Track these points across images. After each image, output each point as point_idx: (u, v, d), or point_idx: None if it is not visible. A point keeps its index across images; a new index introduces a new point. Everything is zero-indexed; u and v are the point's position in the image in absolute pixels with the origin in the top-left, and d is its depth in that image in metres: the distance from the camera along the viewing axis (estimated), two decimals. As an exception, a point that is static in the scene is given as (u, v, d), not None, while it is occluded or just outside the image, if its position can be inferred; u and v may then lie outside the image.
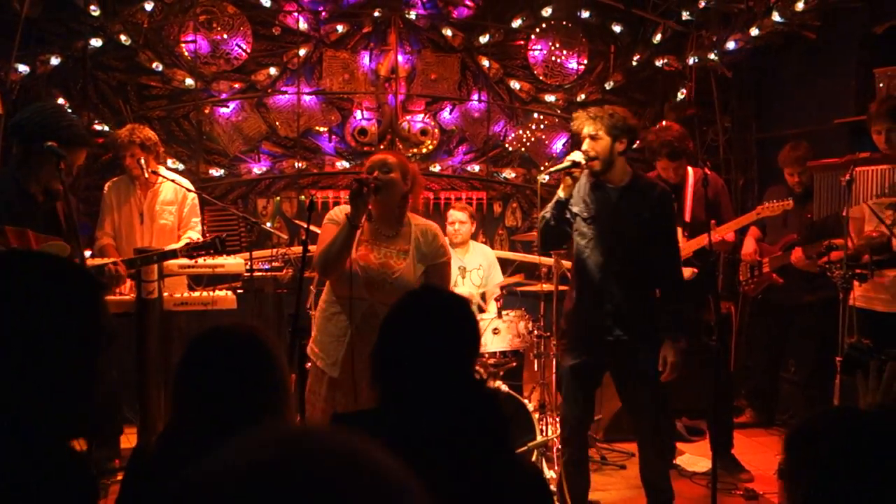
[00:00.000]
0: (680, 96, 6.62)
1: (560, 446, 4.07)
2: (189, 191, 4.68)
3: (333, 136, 6.40)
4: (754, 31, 5.85)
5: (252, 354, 1.78)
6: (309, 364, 3.91)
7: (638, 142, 6.51)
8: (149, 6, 5.92)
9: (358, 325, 3.18)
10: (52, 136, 3.34)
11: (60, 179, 3.34)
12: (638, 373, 3.67)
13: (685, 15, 6.41)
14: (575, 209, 3.70)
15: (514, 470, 1.74)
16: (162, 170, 4.79)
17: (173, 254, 3.93)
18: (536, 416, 4.51)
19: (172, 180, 4.67)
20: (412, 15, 6.38)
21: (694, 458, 4.86)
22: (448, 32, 6.48)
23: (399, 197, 3.26)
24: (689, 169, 4.69)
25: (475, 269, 5.16)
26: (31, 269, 1.17)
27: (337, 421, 1.69)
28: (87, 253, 4.07)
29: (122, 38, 5.83)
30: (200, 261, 4.44)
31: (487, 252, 5.40)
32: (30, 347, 1.13)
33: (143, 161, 4.50)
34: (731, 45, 6.13)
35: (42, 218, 3.50)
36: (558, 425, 4.64)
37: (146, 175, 4.51)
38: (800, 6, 5.40)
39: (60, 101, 5.71)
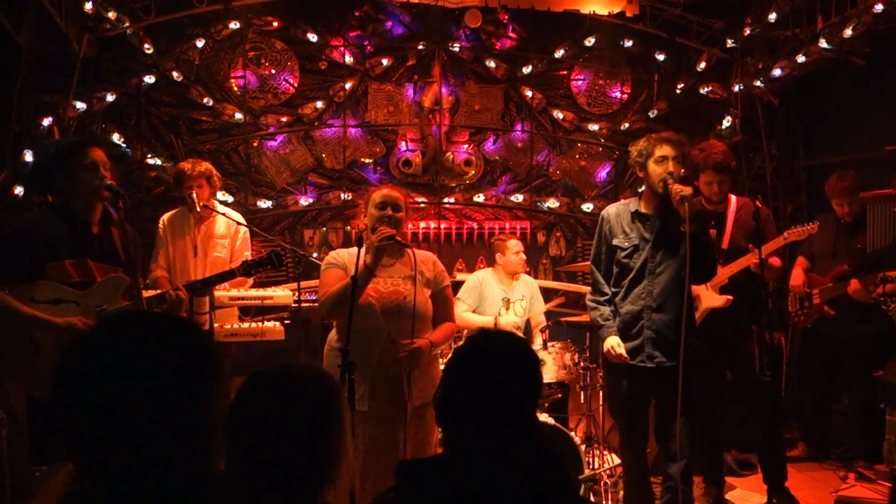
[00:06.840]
0: (725, 124, 6.57)
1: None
2: (241, 224, 4.75)
3: (378, 168, 6.48)
4: (801, 58, 5.78)
5: (319, 398, 1.59)
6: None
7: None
8: (200, 43, 6.10)
9: (379, 355, 3.22)
10: (61, 158, 3.38)
11: (119, 216, 3.42)
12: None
13: (730, 42, 6.38)
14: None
15: None
16: (217, 205, 4.88)
17: (231, 273, 3.92)
18: (583, 448, 4.47)
19: (224, 214, 4.74)
20: (456, 47, 6.46)
21: (745, 493, 4.75)
22: (491, 64, 6.54)
23: (402, 229, 3.37)
24: (733, 197, 4.61)
25: (518, 301, 5.15)
26: (149, 333, 1.29)
27: (402, 470, 1.68)
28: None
29: (175, 74, 6.02)
30: (252, 292, 4.51)
31: (530, 283, 5.39)
32: (163, 406, 1.22)
33: (195, 195, 4.58)
34: (777, 72, 6.06)
35: (99, 247, 3.56)
36: (605, 457, 4.60)
37: (198, 208, 4.59)
38: (848, 33, 5.31)
39: (115, 136, 5.88)
